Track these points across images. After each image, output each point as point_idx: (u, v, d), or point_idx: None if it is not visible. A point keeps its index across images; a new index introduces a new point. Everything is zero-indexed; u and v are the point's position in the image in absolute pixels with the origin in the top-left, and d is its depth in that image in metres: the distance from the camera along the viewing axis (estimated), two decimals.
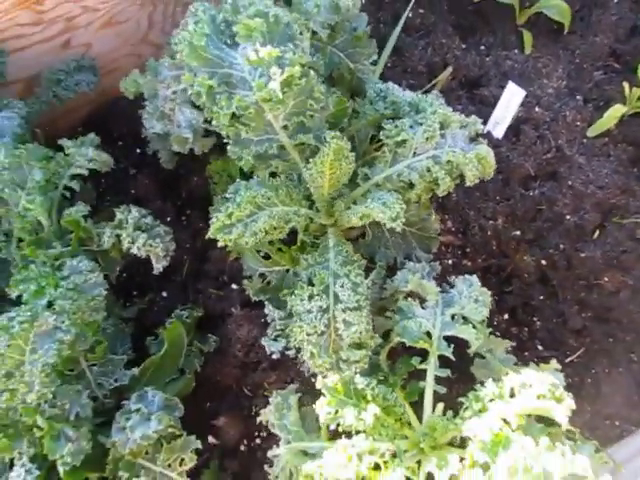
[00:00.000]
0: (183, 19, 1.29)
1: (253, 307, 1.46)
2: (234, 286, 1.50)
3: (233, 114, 0.99)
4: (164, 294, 1.53)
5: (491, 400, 0.92)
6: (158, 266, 1.33)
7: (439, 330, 1.08)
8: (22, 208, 1.23)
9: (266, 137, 1.05)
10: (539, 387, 0.87)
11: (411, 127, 1.13)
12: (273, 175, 1.15)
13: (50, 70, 1.50)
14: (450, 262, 1.48)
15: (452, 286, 1.21)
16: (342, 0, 1.30)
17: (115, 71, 1.67)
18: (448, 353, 1.05)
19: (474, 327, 1.08)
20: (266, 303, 1.31)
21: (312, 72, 1.00)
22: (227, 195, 1.07)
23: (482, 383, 1.07)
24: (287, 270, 1.30)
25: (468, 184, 1.10)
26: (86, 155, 1.31)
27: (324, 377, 0.95)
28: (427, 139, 1.09)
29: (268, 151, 1.07)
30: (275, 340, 1.31)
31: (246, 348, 1.44)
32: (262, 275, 1.34)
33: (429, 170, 1.10)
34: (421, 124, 1.11)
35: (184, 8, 1.65)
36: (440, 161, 1.10)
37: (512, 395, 0.90)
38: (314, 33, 1.35)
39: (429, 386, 1.05)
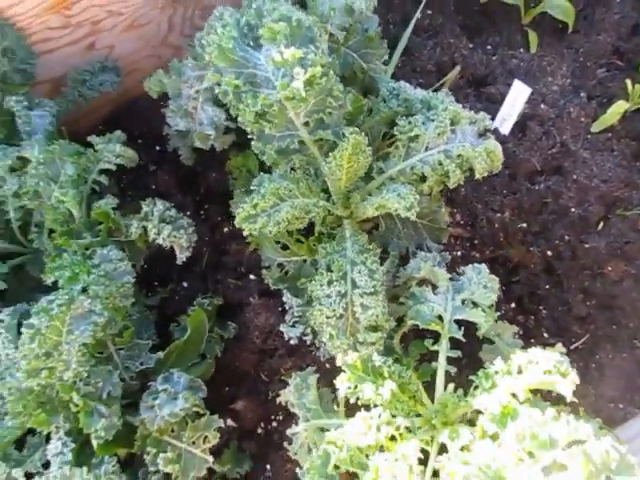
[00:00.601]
0: (203, 22, 1.37)
1: (270, 296, 1.53)
2: (252, 276, 1.58)
3: (257, 112, 1.06)
4: (185, 284, 1.60)
5: (500, 376, 0.98)
6: (181, 256, 1.40)
7: (450, 314, 1.14)
8: (55, 200, 1.30)
9: (288, 133, 1.12)
10: (545, 364, 0.93)
11: (423, 123, 1.19)
12: (292, 170, 1.22)
13: (76, 71, 1.57)
14: (459, 254, 1.54)
15: (461, 275, 1.28)
16: (356, 3, 1.37)
17: (136, 72, 1.74)
18: (459, 335, 1.12)
19: (483, 311, 1.14)
20: (284, 291, 1.38)
21: (331, 72, 1.06)
22: (252, 187, 1.14)
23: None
24: (304, 260, 1.37)
25: (477, 176, 1.17)
26: (114, 151, 1.38)
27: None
28: (438, 134, 1.15)
29: (289, 146, 1.14)
30: (293, 326, 1.38)
31: (264, 335, 1.51)
32: (280, 265, 1.41)
33: (440, 163, 1.16)
34: (433, 120, 1.18)
35: (202, 12, 1.72)
36: (451, 155, 1.17)
37: (520, 372, 0.97)
38: (329, 35, 1.42)
39: (441, 366, 1.11)
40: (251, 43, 1.04)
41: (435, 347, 1.12)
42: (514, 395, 0.94)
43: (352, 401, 0.97)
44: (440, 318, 1.14)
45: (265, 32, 1.01)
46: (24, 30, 1.43)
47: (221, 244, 1.64)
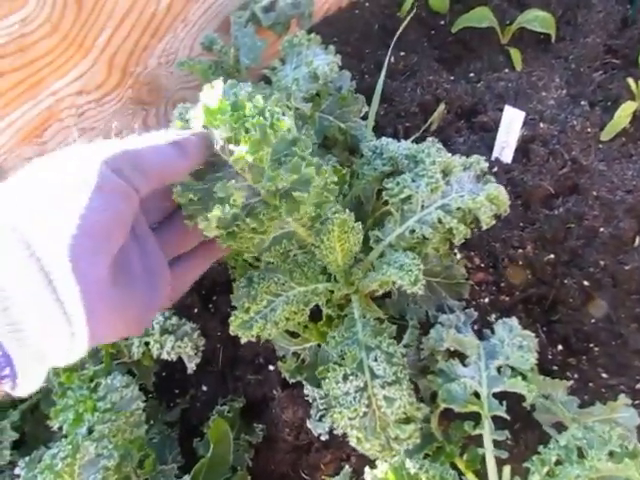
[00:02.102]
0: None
1: (294, 386, 1.41)
2: (271, 367, 1.47)
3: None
4: (204, 388, 1.51)
5: (558, 463, 0.83)
6: (191, 365, 1.32)
7: (487, 388, 1.00)
8: None
9: (278, 233, 1.02)
10: (610, 444, 0.78)
11: (413, 181, 1.09)
12: (283, 253, 1.12)
13: None
14: (486, 300, 1.41)
15: (492, 329, 1.15)
16: (319, 69, 1.31)
17: None
18: (501, 412, 0.97)
19: (524, 377, 1.00)
20: (304, 383, 1.27)
21: (324, 165, 0.96)
22: (241, 287, 1.06)
23: (546, 436, 0.99)
24: (319, 345, 1.27)
25: (484, 227, 1.05)
26: None
27: (372, 468, 0.89)
28: (431, 191, 1.05)
29: (278, 238, 1.04)
30: (320, 421, 1.26)
31: (295, 430, 1.39)
32: (295, 354, 1.31)
33: (440, 221, 1.05)
34: (423, 176, 1.08)
35: (175, 106, 1.70)
36: (450, 209, 1.06)
37: (580, 455, 0.82)
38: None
39: (489, 452, 0.97)
40: None
41: (478, 431, 0.98)
42: None
43: None
44: (476, 395, 1.01)
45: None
46: (1, 168, 1.43)
47: (234, 337, 1.54)
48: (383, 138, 1.26)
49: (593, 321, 1.33)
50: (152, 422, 1.37)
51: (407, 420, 1.00)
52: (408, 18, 1.78)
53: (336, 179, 0.97)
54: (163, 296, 0.73)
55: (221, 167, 0.87)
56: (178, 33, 1.60)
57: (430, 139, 1.21)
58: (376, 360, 1.01)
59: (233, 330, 1.03)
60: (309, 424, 1.26)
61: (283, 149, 0.88)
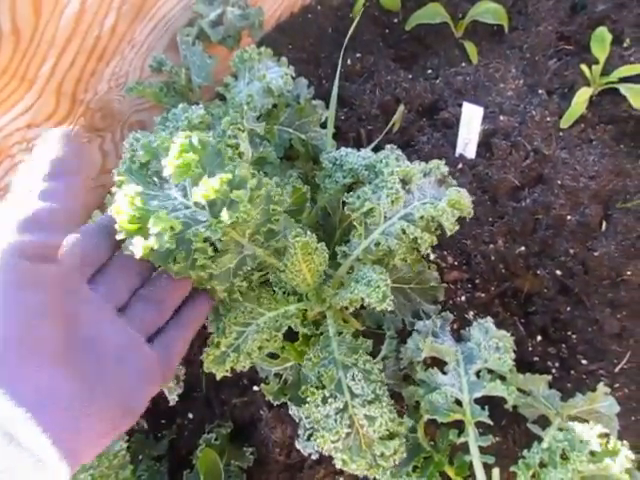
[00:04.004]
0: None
1: (281, 405, 1.40)
2: (255, 388, 1.46)
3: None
4: (190, 415, 1.49)
5: (542, 465, 0.83)
6: (172, 397, 1.29)
7: (468, 394, 1.00)
8: None
9: (239, 257, 1.00)
10: (590, 444, 0.78)
11: (374, 193, 1.08)
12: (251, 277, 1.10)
13: None
14: (463, 298, 1.41)
15: (470, 337, 1.15)
16: (272, 83, 1.29)
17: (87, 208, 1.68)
18: (484, 418, 0.97)
19: (503, 378, 1.00)
20: (289, 404, 1.26)
21: (264, 179, 0.94)
22: (210, 322, 1.03)
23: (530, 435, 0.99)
24: (300, 364, 1.25)
25: (449, 234, 1.04)
26: None
27: None
28: (392, 202, 1.04)
29: (245, 268, 1.02)
30: (309, 440, 1.24)
31: (285, 449, 1.38)
32: (277, 374, 1.29)
33: (405, 232, 1.04)
34: (383, 188, 1.06)
35: (130, 129, 1.66)
36: (413, 219, 1.05)
37: (564, 457, 0.82)
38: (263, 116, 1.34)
39: (475, 458, 0.96)
40: (157, 182, 0.93)
41: (463, 438, 0.98)
42: None
43: None
44: (458, 402, 1.00)
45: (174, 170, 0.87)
46: None
47: None
48: (342, 149, 1.25)
49: (568, 309, 1.34)
50: (140, 457, 1.35)
51: (391, 436, 0.99)
52: (357, 18, 1.76)
53: (281, 191, 0.95)
54: (146, 374, 0.71)
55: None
56: (126, 55, 1.56)
57: (389, 146, 1.19)
58: (354, 379, 1.00)
59: (207, 367, 1.01)
60: (297, 444, 1.24)
61: (212, 160, 0.85)
